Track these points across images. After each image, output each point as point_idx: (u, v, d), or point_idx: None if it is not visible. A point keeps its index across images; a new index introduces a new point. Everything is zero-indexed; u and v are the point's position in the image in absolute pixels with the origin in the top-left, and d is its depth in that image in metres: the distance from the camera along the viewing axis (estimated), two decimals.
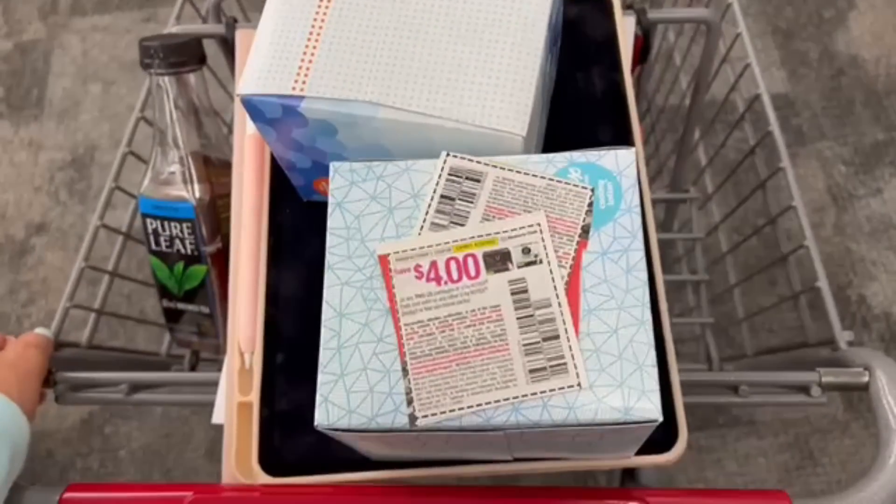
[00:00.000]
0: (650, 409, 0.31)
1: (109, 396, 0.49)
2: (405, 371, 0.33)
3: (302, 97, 0.38)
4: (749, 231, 1.16)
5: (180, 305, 0.60)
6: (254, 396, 0.45)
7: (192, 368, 0.64)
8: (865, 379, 0.45)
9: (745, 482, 1.06)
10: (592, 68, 0.50)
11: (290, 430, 0.44)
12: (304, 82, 0.38)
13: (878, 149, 1.24)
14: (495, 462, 0.41)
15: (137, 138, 0.64)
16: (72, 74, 1.41)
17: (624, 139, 0.48)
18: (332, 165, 0.37)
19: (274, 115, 0.39)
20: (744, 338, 0.70)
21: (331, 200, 0.36)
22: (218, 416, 0.48)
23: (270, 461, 0.43)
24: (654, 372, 0.32)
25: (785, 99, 1.35)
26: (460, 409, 0.32)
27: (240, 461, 0.44)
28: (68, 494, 0.42)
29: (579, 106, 0.49)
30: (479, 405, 0.32)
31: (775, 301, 0.59)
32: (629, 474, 0.58)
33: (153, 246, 0.58)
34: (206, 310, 0.59)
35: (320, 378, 0.33)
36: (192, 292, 0.59)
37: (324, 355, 0.34)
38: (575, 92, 0.50)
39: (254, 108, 0.39)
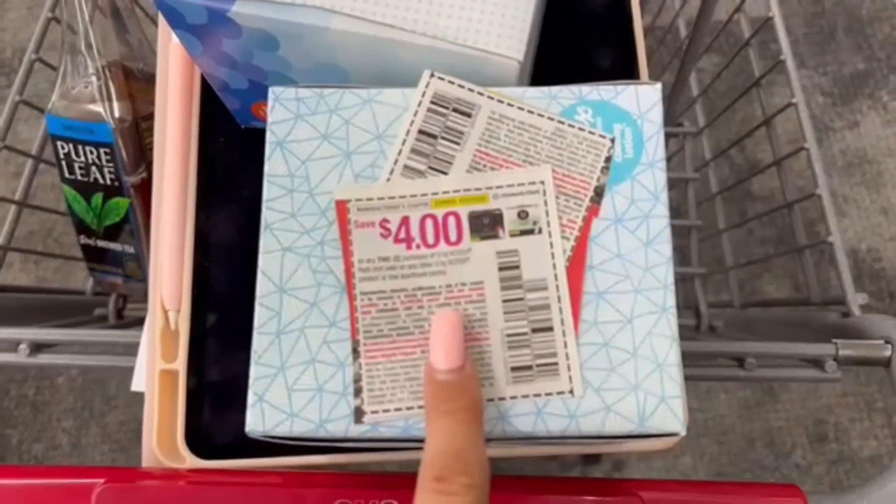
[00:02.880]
0: (670, 419, 0.25)
1: (7, 359, 0.41)
2: (356, 353, 0.26)
3: None
4: (729, 173, 1.11)
5: (101, 243, 0.51)
6: (180, 364, 0.38)
7: (119, 314, 0.56)
8: (887, 353, 0.40)
9: (705, 418, 1.05)
10: None
11: (222, 405, 0.38)
12: None
13: (857, 79, 1.19)
14: None
15: (57, 43, 0.54)
16: None
17: (628, 67, 0.40)
18: (272, 91, 0.29)
19: (197, 20, 0.30)
20: (731, 285, 0.65)
21: (269, 138, 0.28)
22: (138, 384, 0.41)
23: (199, 440, 0.37)
24: (678, 373, 0.25)
25: (757, 25, 1.28)
26: (420, 407, 0.26)
27: (162, 440, 0.37)
28: None
29: (575, 23, 0.41)
30: None
31: (759, 242, 0.53)
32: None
33: (66, 174, 0.49)
34: (131, 249, 0.51)
35: (254, 371, 0.26)
36: (113, 229, 0.50)
37: (259, 342, 0.26)
38: (570, 7, 0.41)
39: (171, 10, 0.30)
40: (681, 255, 0.67)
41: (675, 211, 0.90)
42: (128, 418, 1.04)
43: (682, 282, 0.65)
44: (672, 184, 0.75)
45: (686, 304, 0.60)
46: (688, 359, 0.42)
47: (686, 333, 0.57)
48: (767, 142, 0.56)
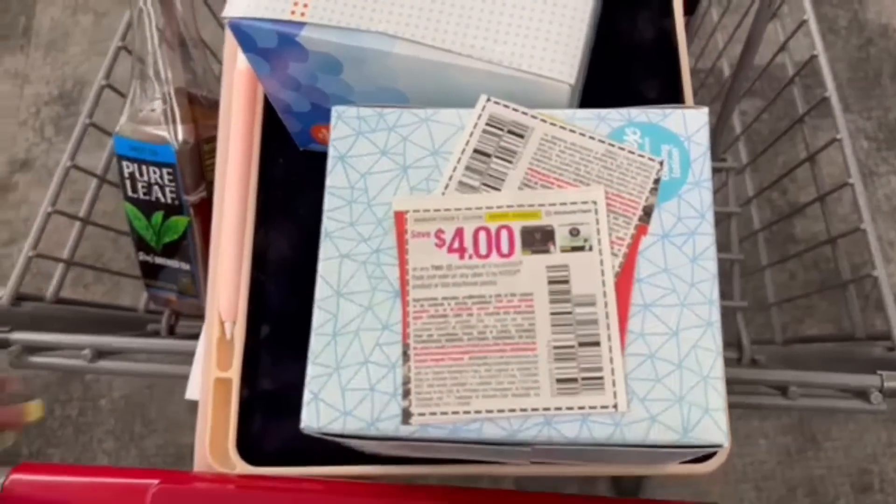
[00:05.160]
0: (714, 431, 0.26)
1: (70, 363, 0.43)
2: (406, 356, 0.27)
3: (302, 24, 0.31)
4: (771, 216, 1.10)
5: (158, 260, 0.54)
6: (234, 373, 0.39)
7: (171, 330, 0.58)
8: None
9: (744, 463, 1.03)
10: (639, 13, 0.43)
11: (273, 414, 0.39)
12: (305, 5, 0.31)
13: None
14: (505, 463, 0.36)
15: (123, 72, 0.57)
16: (61, 4, 1.33)
17: (674, 96, 0.41)
18: (335, 110, 0.31)
19: (267, 44, 0.32)
20: (773, 324, 0.64)
21: (331, 153, 0.30)
22: (192, 392, 0.42)
23: (250, 448, 0.38)
24: (722, 386, 0.26)
25: (809, 67, 1.29)
26: (466, 412, 0.26)
27: (215, 446, 0.38)
28: (15, 477, 0.36)
29: (623, 56, 0.43)
30: (489, 411, 0.26)
31: (802, 286, 0.53)
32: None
33: (129, 192, 0.52)
34: (186, 266, 0.53)
35: (310, 370, 0.27)
36: (171, 246, 0.53)
37: (316, 343, 0.28)
38: (618, 39, 0.43)
39: (243, 34, 0.32)
40: (723, 289, 0.66)
41: (718, 247, 0.90)
42: (166, 442, 1.05)
43: (723, 316, 0.65)
44: (715, 220, 0.75)
45: (728, 340, 0.60)
46: (731, 386, 0.42)
47: (728, 365, 0.57)
48: (810, 185, 0.56)
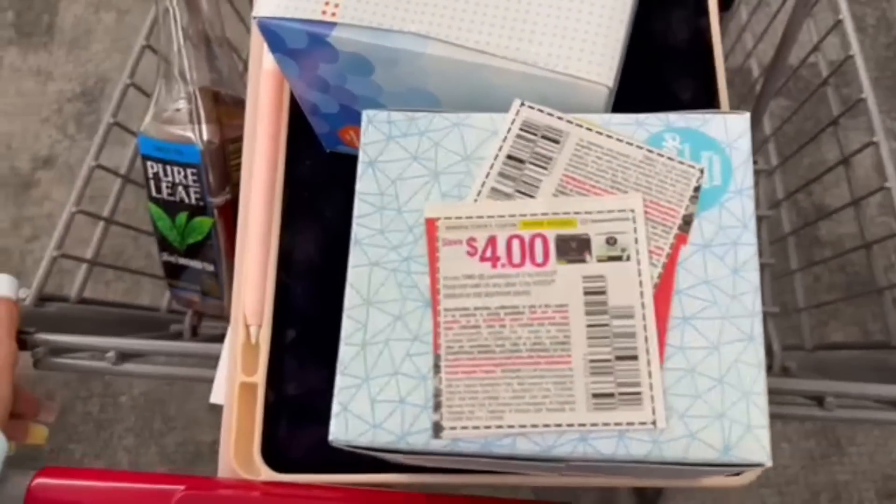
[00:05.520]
0: (756, 449, 0.25)
1: (94, 364, 0.43)
2: (437, 368, 0.26)
3: (333, 24, 0.30)
4: (796, 218, 1.08)
5: (182, 261, 0.53)
6: (259, 377, 0.39)
7: (194, 331, 0.58)
8: None
9: (767, 468, 1.01)
10: (673, 11, 0.42)
11: (299, 420, 0.39)
12: (336, 5, 0.30)
13: None
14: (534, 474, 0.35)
15: (146, 71, 0.57)
16: (84, 1, 1.34)
17: (708, 100, 0.40)
18: (366, 114, 0.30)
19: (297, 44, 0.32)
20: (802, 329, 0.63)
21: (361, 158, 0.29)
22: (217, 396, 0.42)
23: (275, 454, 0.38)
24: (764, 402, 0.25)
25: (834, 66, 1.26)
26: (498, 427, 0.26)
27: (239, 451, 0.38)
28: (40, 481, 0.36)
29: (655, 55, 0.42)
30: (522, 426, 0.26)
31: (828, 289, 0.52)
32: None
33: (153, 192, 0.52)
34: (210, 267, 0.53)
35: (339, 381, 0.27)
36: (195, 247, 0.52)
37: (345, 353, 0.27)
38: (651, 37, 0.42)
39: (273, 34, 0.31)
40: None
41: None
42: (185, 440, 1.06)
43: None
44: None
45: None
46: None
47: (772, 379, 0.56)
48: (836, 187, 0.55)
